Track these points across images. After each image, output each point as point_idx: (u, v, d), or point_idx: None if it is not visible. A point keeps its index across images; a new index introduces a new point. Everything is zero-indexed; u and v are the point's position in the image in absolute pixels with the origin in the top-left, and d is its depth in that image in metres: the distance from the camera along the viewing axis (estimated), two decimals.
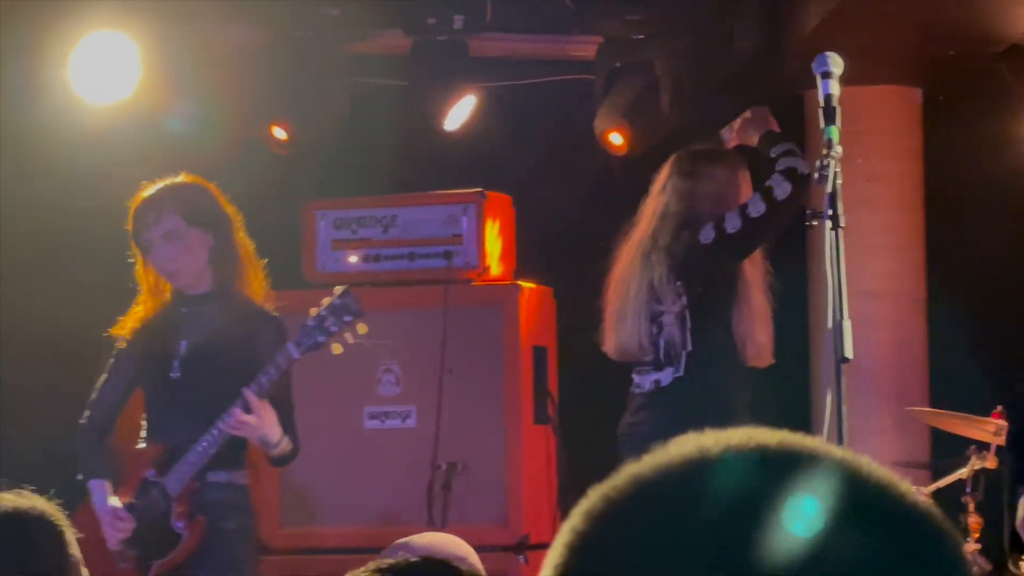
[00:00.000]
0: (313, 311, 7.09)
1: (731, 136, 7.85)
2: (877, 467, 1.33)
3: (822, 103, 5.41)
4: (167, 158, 7.95)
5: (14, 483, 3.95)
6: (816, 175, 5.40)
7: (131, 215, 7.18)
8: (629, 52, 9.57)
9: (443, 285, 8.59)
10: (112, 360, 7.35)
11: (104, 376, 7.35)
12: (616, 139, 9.59)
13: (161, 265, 7.13)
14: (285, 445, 7.07)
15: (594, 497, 1.34)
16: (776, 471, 1.30)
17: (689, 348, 7.20)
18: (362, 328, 7.06)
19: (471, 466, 8.44)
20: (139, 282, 7.27)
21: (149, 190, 7.16)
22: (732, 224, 7.24)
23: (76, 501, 7.09)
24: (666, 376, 7.23)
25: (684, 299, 7.22)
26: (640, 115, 9.53)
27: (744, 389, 7.31)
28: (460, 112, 9.57)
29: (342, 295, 7.12)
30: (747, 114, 7.76)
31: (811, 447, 1.33)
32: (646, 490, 1.32)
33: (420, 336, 8.55)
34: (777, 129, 7.62)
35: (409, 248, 8.80)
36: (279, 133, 9.53)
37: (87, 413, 7.33)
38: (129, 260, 7.35)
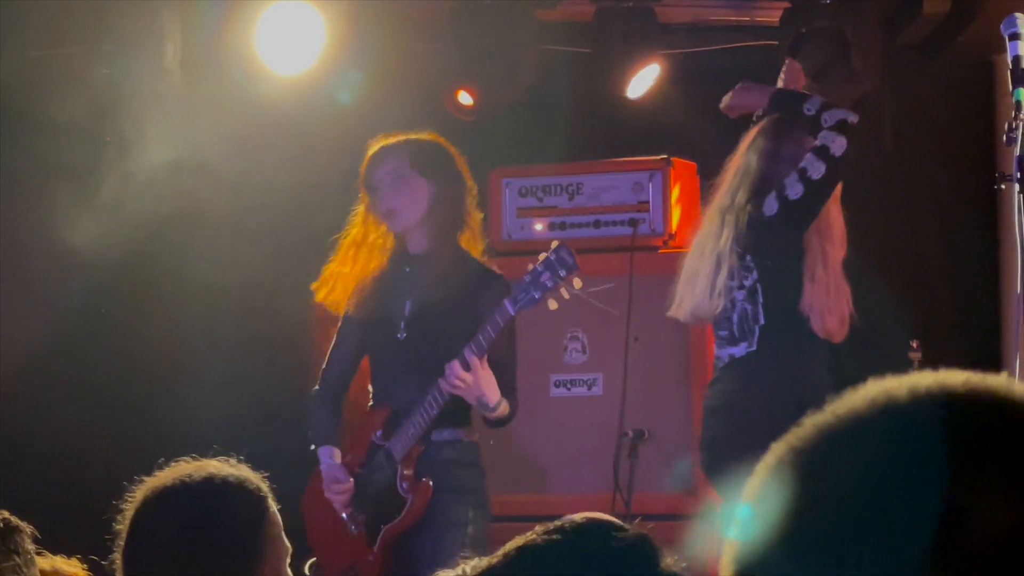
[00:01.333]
0: (529, 267, 7.11)
1: (726, 107, 8.00)
2: None
3: (1011, 65, 5.37)
4: (352, 127, 8.01)
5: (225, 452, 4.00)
6: (1005, 138, 5.32)
7: (366, 159, 7.35)
8: (815, 17, 9.48)
9: (629, 252, 8.58)
10: (339, 328, 7.41)
11: (333, 345, 7.42)
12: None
13: (381, 203, 7.26)
14: (504, 408, 7.09)
15: (780, 449, 1.37)
16: (963, 413, 1.33)
17: (762, 322, 7.13)
18: (577, 282, 7.08)
19: (657, 434, 8.43)
20: (350, 229, 7.32)
21: (388, 137, 7.32)
22: (794, 190, 7.17)
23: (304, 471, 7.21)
24: (740, 350, 7.18)
25: (755, 273, 7.18)
26: (829, 79, 9.45)
27: (822, 364, 7.21)
28: (644, 79, 9.54)
29: (557, 249, 7.12)
30: (736, 90, 7.99)
31: (997, 388, 1.35)
32: (831, 436, 1.34)
33: (607, 304, 8.51)
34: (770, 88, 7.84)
35: (595, 216, 8.78)
36: (465, 99, 9.54)
37: (320, 381, 7.42)
38: (323, 231, 7.44)
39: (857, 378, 1.44)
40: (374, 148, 7.37)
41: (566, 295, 7.11)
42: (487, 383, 7.01)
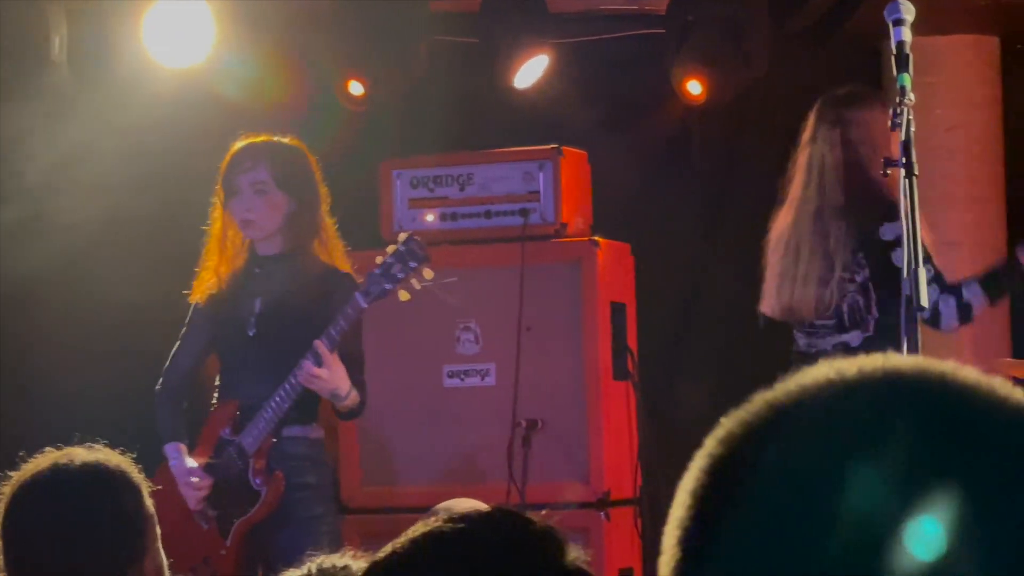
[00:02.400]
0: (379, 260, 7.18)
1: None
2: (1006, 390, 1.32)
3: (894, 51, 5.42)
4: (242, 118, 7.99)
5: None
6: (890, 123, 5.40)
7: (228, 156, 7.31)
8: (703, 5, 9.53)
9: (520, 242, 8.57)
10: (185, 327, 7.43)
11: (178, 343, 7.46)
12: (695, 88, 9.53)
13: (239, 212, 7.25)
14: (353, 398, 7.16)
15: (729, 423, 1.34)
16: (909, 395, 1.32)
17: (875, 316, 7.20)
18: (428, 273, 7.15)
19: (551, 423, 8.43)
20: (211, 225, 7.36)
21: (253, 138, 7.30)
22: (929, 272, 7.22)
23: (153, 467, 7.17)
24: (854, 338, 7.27)
25: (867, 271, 7.25)
26: (719, 65, 9.49)
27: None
28: (533, 69, 9.56)
29: (406, 241, 7.20)
30: None
31: (942, 372, 1.33)
32: (781, 414, 1.32)
33: (497, 294, 8.56)
34: None
35: (486, 206, 8.78)
36: (356, 88, 9.53)
37: (162, 379, 7.43)
38: (201, 227, 7.43)
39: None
40: (237, 147, 7.37)
41: (417, 286, 7.18)
42: (339, 375, 7.08)
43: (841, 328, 7.34)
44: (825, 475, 1.28)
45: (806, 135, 7.47)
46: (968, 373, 1.33)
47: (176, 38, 9.07)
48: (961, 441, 1.29)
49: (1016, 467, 1.28)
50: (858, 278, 7.33)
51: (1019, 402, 1.32)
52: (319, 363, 7.05)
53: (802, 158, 7.41)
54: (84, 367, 8.86)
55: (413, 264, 7.17)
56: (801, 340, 7.41)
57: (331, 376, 7.05)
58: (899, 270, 7.03)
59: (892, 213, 6.92)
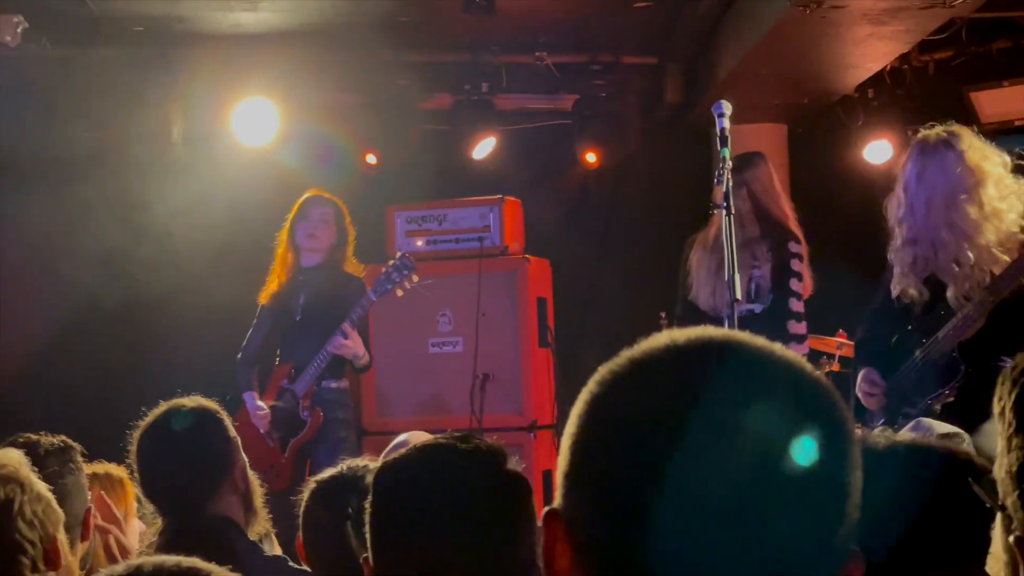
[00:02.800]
0: (383, 269, 7.27)
1: None
2: (780, 350, 1.26)
3: (718, 134, 5.22)
4: (297, 181, 8.06)
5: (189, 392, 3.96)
6: (715, 180, 5.21)
7: (304, 199, 7.40)
8: (595, 104, 9.60)
9: (478, 259, 8.56)
10: (256, 318, 7.50)
11: (252, 328, 7.50)
12: (591, 158, 9.62)
13: (307, 229, 7.31)
14: (366, 359, 7.24)
15: (603, 370, 1.28)
16: (715, 355, 1.25)
17: (771, 296, 7.02)
18: (415, 278, 7.23)
19: (498, 376, 8.41)
20: (279, 243, 7.41)
21: (320, 191, 7.44)
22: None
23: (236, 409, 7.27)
24: (757, 307, 7.04)
25: (769, 265, 7.02)
26: (607, 143, 9.56)
27: None
28: (485, 147, 9.63)
29: (401, 257, 7.30)
30: None
31: (753, 341, 1.26)
32: (636, 364, 1.26)
33: (464, 292, 8.53)
34: None
35: (455, 235, 8.69)
36: (371, 160, 9.59)
37: (241, 352, 7.48)
38: (272, 246, 7.52)
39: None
40: (312, 193, 7.48)
41: (408, 286, 7.25)
42: (359, 345, 7.15)
43: (748, 301, 7.01)
44: (659, 403, 1.21)
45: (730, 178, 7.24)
46: (758, 340, 1.26)
47: (253, 126, 9.11)
48: (741, 387, 1.21)
49: (749, 400, 1.20)
50: (763, 269, 7.09)
51: (783, 355, 1.25)
52: (346, 337, 7.15)
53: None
54: (199, 348, 8.82)
55: (406, 272, 7.27)
56: (729, 314, 7.11)
57: (353, 345, 7.14)
58: (793, 271, 6.89)
59: (793, 233, 6.96)
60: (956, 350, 5.14)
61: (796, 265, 6.95)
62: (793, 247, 6.99)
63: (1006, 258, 5.15)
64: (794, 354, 1.27)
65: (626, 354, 1.28)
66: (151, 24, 8.60)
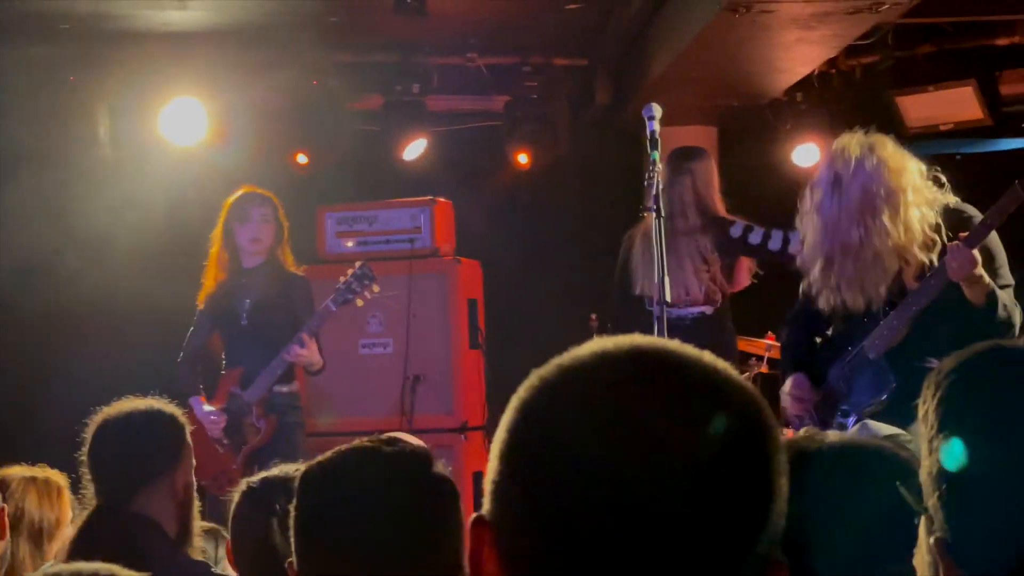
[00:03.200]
0: (342, 278, 7.20)
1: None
2: (709, 358, 1.27)
3: (648, 137, 5.28)
4: (227, 181, 7.99)
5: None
6: (646, 182, 5.26)
7: (238, 196, 7.28)
8: (526, 106, 9.61)
9: (409, 260, 8.55)
10: (196, 318, 7.40)
11: (192, 329, 7.39)
12: (523, 159, 9.63)
13: (251, 233, 7.21)
14: (320, 364, 7.18)
15: (533, 377, 1.28)
16: (642, 362, 1.25)
17: (722, 295, 7.34)
18: (376, 288, 7.18)
19: (429, 377, 8.41)
20: (214, 243, 7.32)
21: (253, 188, 7.32)
22: (755, 236, 7.28)
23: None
24: (708, 309, 7.30)
25: (719, 264, 7.27)
26: (538, 144, 9.58)
27: None
28: (416, 148, 9.61)
29: (362, 266, 7.22)
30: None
31: (668, 348, 1.27)
32: (565, 371, 1.27)
33: (395, 293, 8.57)
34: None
35: (386, 236, 8.69)
36: (302, 159, 9.55)
37: (182, 354, 7.38)
38: (206, 248, 7.43)
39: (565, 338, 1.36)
40: (246, 190, 7.37)
41: (368, 296, 7.21)
42: (315, 353, 7.09)
43: (698, 303, 7.24)
44: (585, 411, 1.22)
45: (664, 180, 7.29)
46: (687, 348, 1.27)
47: (182, 126, 9.04)
48: (660, 395, 1.22)
49: (691, 407, 1.21)
50: (711, 267, 7.24)
51: (711, 363, 1.26)
52: (303, 346, 7.08)
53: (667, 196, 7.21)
54: (131, 351, 8.71)
55: (366, 282, 7.21)
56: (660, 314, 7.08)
57: (311, 354, 7.08)
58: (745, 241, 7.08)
59: (731, 222, 7.16)
60: (883, 359, 5.17)
61: (739, 231, 7.19)
62: (735, 231, 7.20)
63: (924, 258, 5.19)
64: (722, 362, 1.28)
65: (555, 361, 1.29)
66: (78, 22, 8.51)
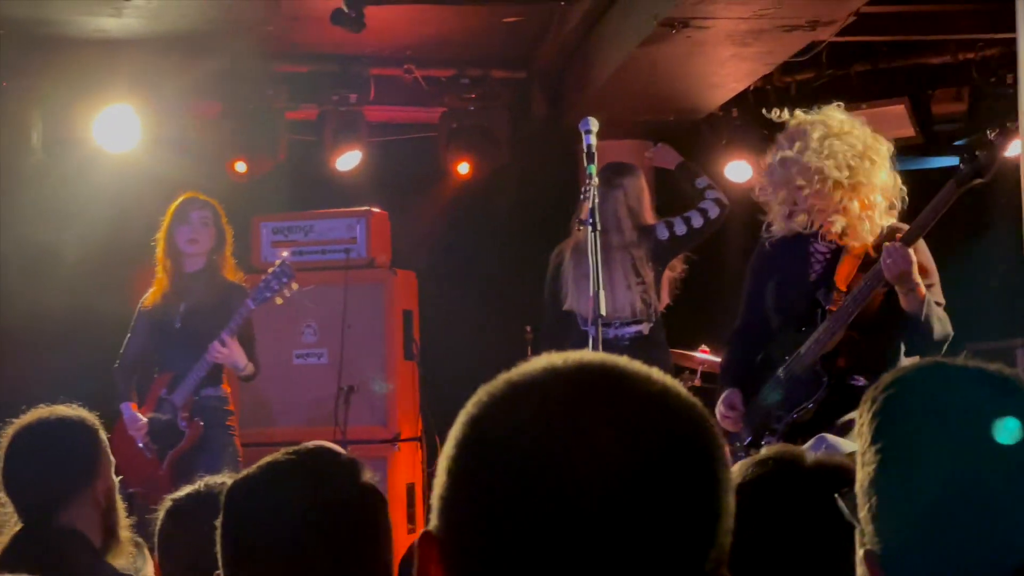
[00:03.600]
0: (263, 276, 7.19)
1: (649, 157, 7.78)
2: (657, 375, 1.27)
3: (585, 150, 5.32)
4: (163, 187, 7.94)
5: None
6: (582, 196, 5.29)
7: (180, 202, 7.25)
8: (465, 117, 9.61)
9: (344, 270, 8.54)
10: (133, 323, 7.35)
11: (129, 335, 7.35)
12: (464, 168, 9.62)
13: (188, 234, 7.18)
14: (250, 368, 7.12)
15: (481, 392, 1.29)
16: (590, 378, 1.26)
17: (656, 312, 7.38)
18: (295, 285, 7.15)
19: (362, 387, 8.38)
20: (159, 249, 7.28)
21: (195, 194, 7.31)
22: (680, 228, 7.30)
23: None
24: (645, 327, 7.30)
25: (652, 274, 7.33)
26: (475, 157, 9.58)
27: None
28: (350, 159, 9.56)
29: (281, 264, 7.22)
30: (658, 147, 7.73)
31: (617, 364, 1.28)
32: (515, 387, 1.27)
33: (330, 304, 8.52)
34: (680, 158, 7.57)
35: (322, 246, 8.69)
36: (240, 167, 9.48)
37: (119, 360, 7.33)
38: (147, 255, 7.37)
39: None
40: (188, 196, 7.35)
41: (288, 293, 7.18)
42: (238, 353, 7.03)
43: (637, 321, 7.24)
44: (534, 424, 1.23)
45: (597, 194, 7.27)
46: (635, 364, 1.28)
47: (115, 132, 8.97)
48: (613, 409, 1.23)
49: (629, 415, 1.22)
50: (647, 281, 7.25)
51: (659, 380, 1.27)
52: (223, 345, 7.04)
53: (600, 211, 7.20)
54: (65, 357, 8.63)
55: (285, 279, 7.18)
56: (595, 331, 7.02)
57: (231, 354, 7.02)
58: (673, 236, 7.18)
59: (653, 227, 7.23)
60: (819, 363, 5.19)
61: (664, 231, 7.32)
62: (660, 233, 7.32)
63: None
64: (671, 380, 1.29)
65: (504, 376, 1.29)
66: (12, 27, 8.43)
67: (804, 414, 5.17)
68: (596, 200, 5.27)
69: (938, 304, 5.10)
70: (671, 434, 1.23)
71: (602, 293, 5.18)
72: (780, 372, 5.29)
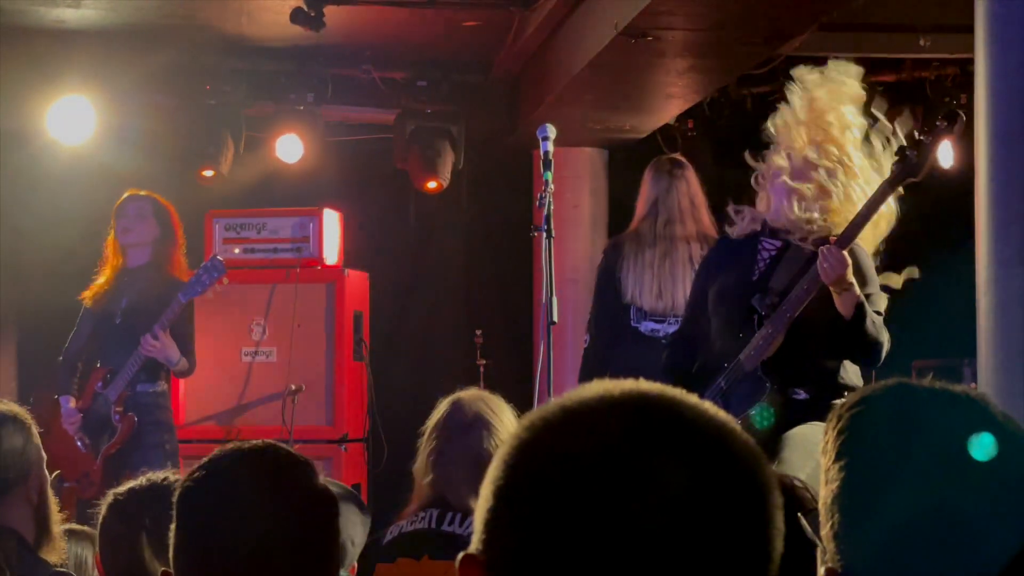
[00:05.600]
0: (193, 271, 7.16)
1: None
2: (712, 410, 1.28)
3: (542, 156, 5.30)
4: (119, 181, 7.86)
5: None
6: (537, 203, 5.24)
7: (123, 197, 7.28)
8: (421, 119, 9.55)
9: (296, 269, 8.50)
10: (79, 318, 7.32)
11: (75, 329, 7.32)
12: (432, 185, 9.51)
13: (123, 223, 7.18)
14: (183, 364, 7.10)
15: (534, 415, 1.29)
16: (649, 411, 1.26)
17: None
18: (225, 280, 7.15)
19: (311, 387, 8.33)
20: (106, 247, 7.26)
21: (137, 191, 7.32)
22: None
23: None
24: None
25: None
26: (431, 159, 9.49)
27: None
28: (292, 146, 9.39)
29: (212, 259, 7.24)
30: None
31: (674, 398, 1.29)
32: (571, 414, 1.27)
33: (280, 302, 8.49)
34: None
35: (274, 244, 8.64)
36: (208, 173, 9.30)
37: (62, 355, 7.31)
38: (95, 251, 7.31)
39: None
40: (129, 193, 7.35)
41: (218, 288, 7.16)
42: (170, 347, 6.99)
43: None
44: (589, 455, 1.22)
45: (659, 188, 6.92)
46: (690, 397, 1.28)
47: (70, 124, 8.87)
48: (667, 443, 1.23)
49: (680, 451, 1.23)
50: None
51: (714, 416, 1.27)
52: (155, 338, 7.00)
53: (664, 202, 6.90)
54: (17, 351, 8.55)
55: (215, 274, 7.16)
56: (647, 325, 6.77)
57: (163, 348, 6.99)
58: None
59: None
60: (759, 369, 5.17)
61: None
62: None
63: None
64: (725, 415, 1.29)
65: (557, 401, 1.29)
66: None
67: (745, 420, 5.14)
68: (551, 207, 5.22)
69: (875, 312, 5.10)
70: (733, 472, 1.24)
71: (555, 299, 5.14)
72: (720, 381, 5.25)
